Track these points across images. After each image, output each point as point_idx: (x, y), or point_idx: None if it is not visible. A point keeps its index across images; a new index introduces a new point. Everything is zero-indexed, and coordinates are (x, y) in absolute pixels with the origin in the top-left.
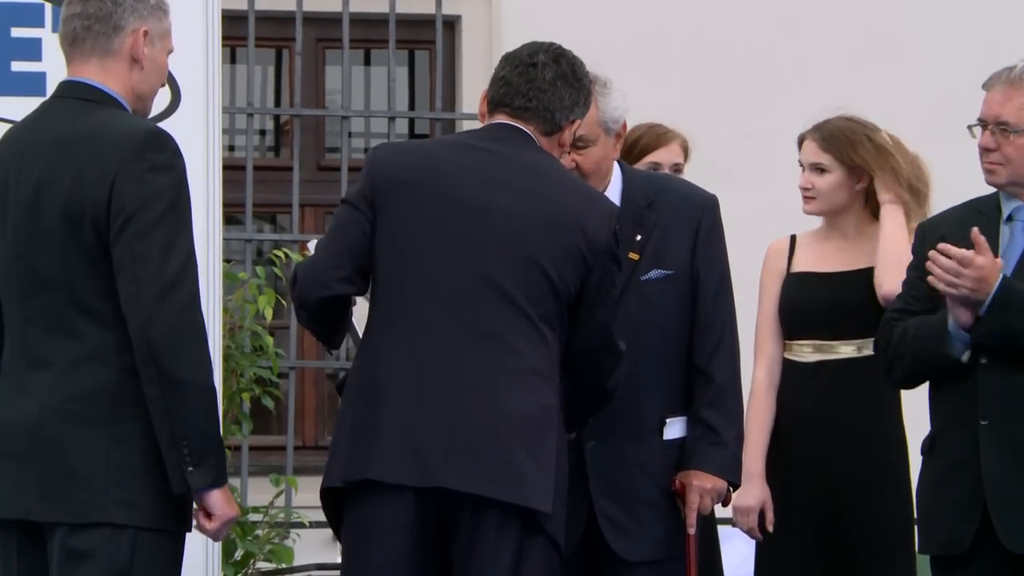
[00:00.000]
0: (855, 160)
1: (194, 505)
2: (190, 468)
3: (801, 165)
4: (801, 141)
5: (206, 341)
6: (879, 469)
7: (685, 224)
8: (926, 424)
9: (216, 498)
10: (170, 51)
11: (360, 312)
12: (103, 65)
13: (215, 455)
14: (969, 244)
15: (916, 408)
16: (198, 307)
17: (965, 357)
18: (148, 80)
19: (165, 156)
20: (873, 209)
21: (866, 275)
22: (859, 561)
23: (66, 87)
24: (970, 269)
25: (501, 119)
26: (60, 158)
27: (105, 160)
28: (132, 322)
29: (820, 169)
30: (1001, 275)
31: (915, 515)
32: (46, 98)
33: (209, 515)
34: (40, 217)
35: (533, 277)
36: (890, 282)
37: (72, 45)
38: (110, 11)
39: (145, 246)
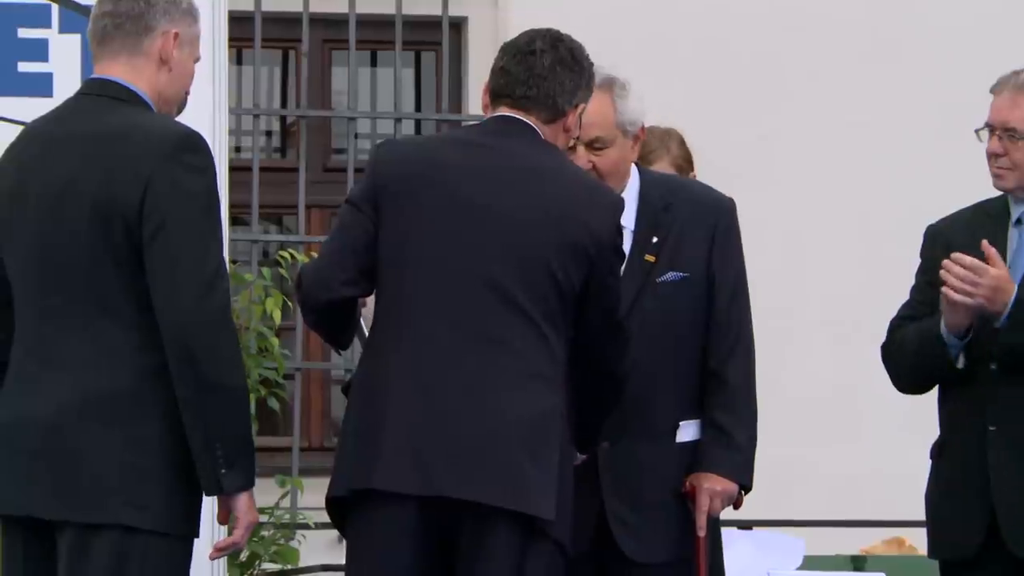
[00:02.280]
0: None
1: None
2: (223, 471)
3: None
4: None
5: (239, 344)
6: None
7: (701, 227)
8: (935, 427)
9: (244, 502)
10: (197, 59)
11: (368, 313)
12: (131, 64)
13: (247, 458)
14: (978, 248)
15: (925, 411)
16: (230, 310)
17: (961, 363)
18: (175, 83)
19: (200, 158)
20: None
21: None
22: None
23: (93, 84)
24: (985, 278)
25: (503, 111)
26: (89, 155)
27: (138, 160)
28: (168, 324)
29: None
30: (1016, 289)
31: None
32: (52, 98)
33: (226, 519)
34: (66, 213)
35: (537, 278)
36: None
37: (101, 43)
38: (142, 11)
39: (181, 249)
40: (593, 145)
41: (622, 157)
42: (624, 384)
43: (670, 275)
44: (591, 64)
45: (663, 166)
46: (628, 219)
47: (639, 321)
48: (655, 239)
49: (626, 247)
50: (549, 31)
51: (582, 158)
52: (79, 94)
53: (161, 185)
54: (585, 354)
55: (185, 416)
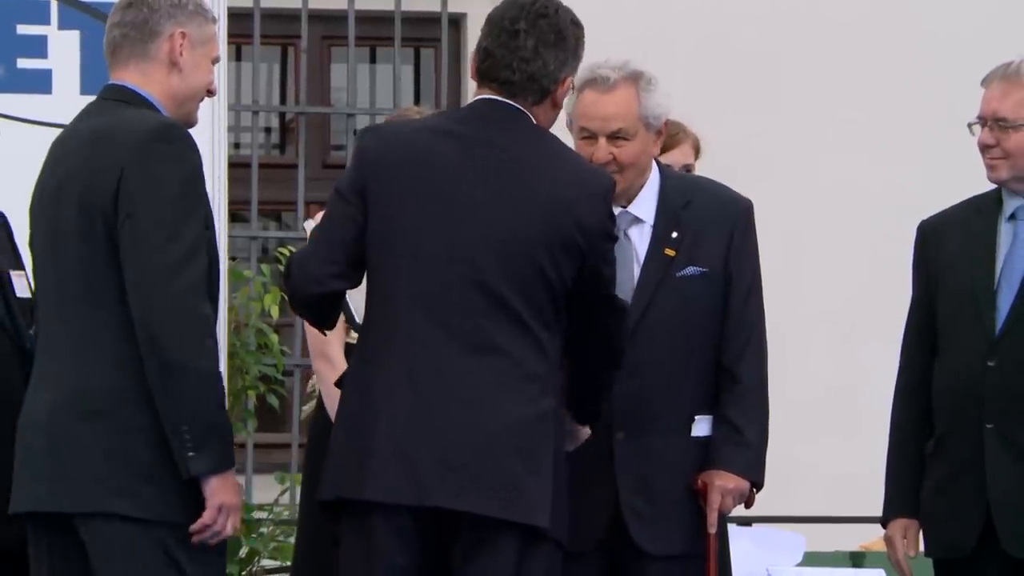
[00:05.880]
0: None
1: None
2: (191, 454)
3: None
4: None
5: (208, 328)
6: None
7: (720, 227)
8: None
9: (213, 484)
10: (215, 59)
11: (354, 291)
12: (141, 70)
13: (217, 441)
14: (968, 242)
15: None
16: (201, 295)
17: None
18: (188, 83)
19: (175, 148)
20: None
21: None
22: None
23: (106, 89)
24: None
25: (489, 94)
26: (79, 155)
27: (115, 154)
28: (134, 310)
29: None
30: (1018, 287)
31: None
32: (51, 95)
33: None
34: (60, 211)
35: (527, 275)
36: None
37: (113, 54)
38: (146, 17)
39: (146, 234)
40: (615, 136)
41: (643, 150)
42: (621, 358)
43: (690, 269)
44: (579, 33)
45: (686, 148)
46: (648, 213)
47: (657, 314)
48: (675, 234)
49: (645, 241)
50: (534, 5)
51: (603, 149)
52: (96, 99)
53: (132, 175)
54: (582, 331)
55: (156, 400)
